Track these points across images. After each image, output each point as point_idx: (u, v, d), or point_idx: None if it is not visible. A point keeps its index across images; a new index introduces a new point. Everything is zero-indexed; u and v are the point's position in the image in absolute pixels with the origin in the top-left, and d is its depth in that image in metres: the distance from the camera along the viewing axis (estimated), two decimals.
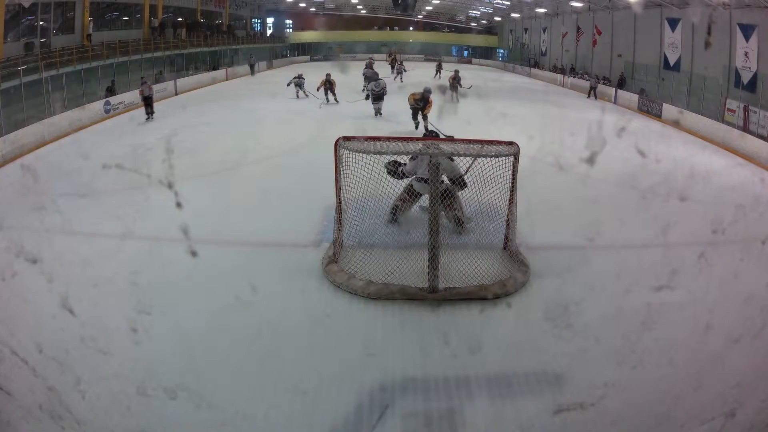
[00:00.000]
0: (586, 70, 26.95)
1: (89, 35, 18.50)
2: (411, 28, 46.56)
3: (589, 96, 22.35)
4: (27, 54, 15.81)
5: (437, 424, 3.70)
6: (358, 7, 43.20)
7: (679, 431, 3.61)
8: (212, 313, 4.95)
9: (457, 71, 18.18)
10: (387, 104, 15.12)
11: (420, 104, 12.61)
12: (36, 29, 17.04)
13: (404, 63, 26.71)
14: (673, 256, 6.18)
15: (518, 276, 5.64)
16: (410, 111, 12.83)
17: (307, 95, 18.02)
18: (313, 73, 21.56)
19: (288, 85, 18.28)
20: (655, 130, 15.73)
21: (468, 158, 6.09)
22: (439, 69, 28.14)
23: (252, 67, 30.08)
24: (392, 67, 26.51)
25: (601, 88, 22.79)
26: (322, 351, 4.48)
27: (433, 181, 5.33)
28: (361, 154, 5.83)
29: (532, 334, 4.76)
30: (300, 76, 18.57)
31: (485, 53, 43.93)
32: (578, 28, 28.90)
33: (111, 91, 17.10)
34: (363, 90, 17.60)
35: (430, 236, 5.37)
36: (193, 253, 6.12)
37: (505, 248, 6.26)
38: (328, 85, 16.76)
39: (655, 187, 8.40)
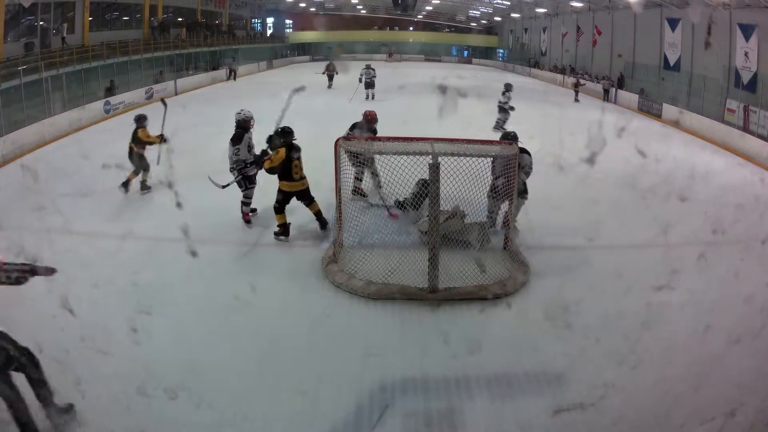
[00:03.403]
0: (586, 70, 26.95)
1: (63, 38, 17.87)
2: (411, 28, 46.61)
3: (605, 99, 21.58)
4: (27, 54, 15.81)
5: (437, 424, 3.70)
6: (358, 7, 43.23)
7: (679, 431, 3.61)
8: (212, 313, 4.95)
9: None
10: (394, 104, 15.04)
11: None
12: (36, 29, 17.04)
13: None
14: (673, 256, 6.18)
15: (518, 276, 5.65)
16: None
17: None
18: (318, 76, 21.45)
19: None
20: (655, 130, 15.73)
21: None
22: (578, 87, 21.50)
23: (233, 72, 26.35)
24: (330, 78, 21.64)
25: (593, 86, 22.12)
26: (322, 351, 4.48)
27: (433, 182, 5.32)
28: None
29: (532, 334, 4.76)
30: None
31: (485, 53, 43.97)
32: (578, 28, 28.92)
33: (110, 91, 17.10)
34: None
35: (430, 236, 5.37)
36: (193, 253, 6.12)
37: (505, 248, 6.26)
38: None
39: (655, 187, 8.39)
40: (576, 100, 21.18)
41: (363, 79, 18.13)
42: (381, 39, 44.24)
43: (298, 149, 6.49)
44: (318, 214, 6.76)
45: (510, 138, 6.65)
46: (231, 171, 7.07)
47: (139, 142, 8.17)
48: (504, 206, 6.58)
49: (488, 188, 6.40)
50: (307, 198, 6.67)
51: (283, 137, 6.41)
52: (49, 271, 3.60)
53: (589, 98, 22.58)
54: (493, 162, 6.37)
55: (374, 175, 7.21)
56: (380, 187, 6.96)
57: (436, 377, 4.14)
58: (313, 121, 13.31)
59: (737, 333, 4.49)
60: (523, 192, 6.64)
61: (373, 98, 17.62)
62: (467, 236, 6.09)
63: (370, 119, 8.05)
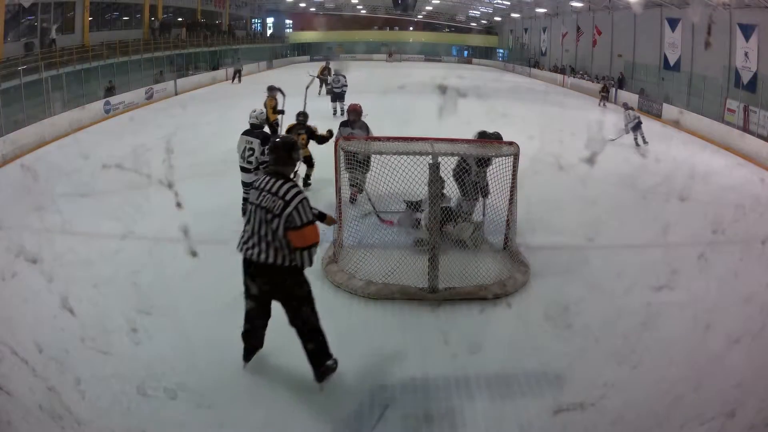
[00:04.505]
0: (586, 70, 26.97)
1: (54, 39, 17.58)
2: (411, 28, 46.66)
3: (600, 102, 20.82)
4: (27, 54, 15.82)
5: (437, 424, 3.70)
6: (358, 7, 43.25)
7: (679, 431, 3.61)
8: (212, 313, 4.94)
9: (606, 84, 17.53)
10: (394, 104, 14.80)
11: None
12: (36, 29, 17.04)
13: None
14: (673, 256, 6.18)
15: (518, 276, 5.64)
16: None
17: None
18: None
19: None
20: (655, 130, 15.73)
21: None
22: (605, 93, 20.88)
23: (237, 73, 25.31)
24: (322, 82, 18.14)
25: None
26: None
27: (432, 181, 5.32)
28: None
29: (532, 334, 4.75)
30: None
31: (485, 53, 44.02)
32: (578, 28, 28.94)
33: (110, 91, 17.10)
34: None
35: (430, 236, 5.37)
36: (193, 253, 6.12)
37: (505, 248, 6.25)
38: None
39: (655, 187, 8.40)
40: (600, 104, 20.54)
41: (331, 88, 15.04)
42: (381, 39, 44.28)
43: (301, 127, 7.88)
44: (307, 177, 8.16)
45: (493, 137, 6.65)
46: (254, 171, 6.73)
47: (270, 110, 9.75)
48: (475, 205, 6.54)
49: (466, 189, 6.27)
50: (307, 163, 8.21)
51: (297, 117, 7.98)
52: (332, 221, 4.18)
53: (589, 98, 22.60)
54: (476, 163, 6.26)
55: (359, 181, 6.77)
56: (362, 191, 6.83)
57: (436, 377, 4.13)
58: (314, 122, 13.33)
59: (737, 333, 4.49)
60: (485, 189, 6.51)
61: (342, 113, 13.63)
62: (462, 235, 6.09)
63: (351, 111, 8.13)
